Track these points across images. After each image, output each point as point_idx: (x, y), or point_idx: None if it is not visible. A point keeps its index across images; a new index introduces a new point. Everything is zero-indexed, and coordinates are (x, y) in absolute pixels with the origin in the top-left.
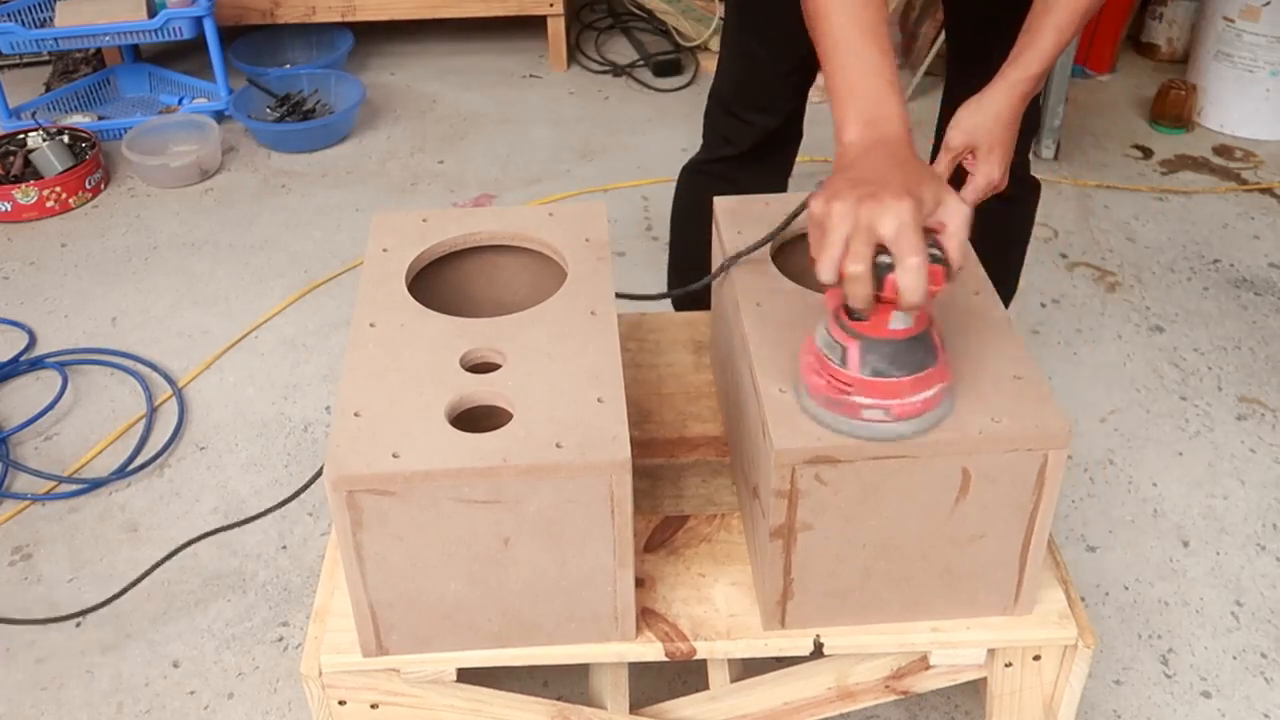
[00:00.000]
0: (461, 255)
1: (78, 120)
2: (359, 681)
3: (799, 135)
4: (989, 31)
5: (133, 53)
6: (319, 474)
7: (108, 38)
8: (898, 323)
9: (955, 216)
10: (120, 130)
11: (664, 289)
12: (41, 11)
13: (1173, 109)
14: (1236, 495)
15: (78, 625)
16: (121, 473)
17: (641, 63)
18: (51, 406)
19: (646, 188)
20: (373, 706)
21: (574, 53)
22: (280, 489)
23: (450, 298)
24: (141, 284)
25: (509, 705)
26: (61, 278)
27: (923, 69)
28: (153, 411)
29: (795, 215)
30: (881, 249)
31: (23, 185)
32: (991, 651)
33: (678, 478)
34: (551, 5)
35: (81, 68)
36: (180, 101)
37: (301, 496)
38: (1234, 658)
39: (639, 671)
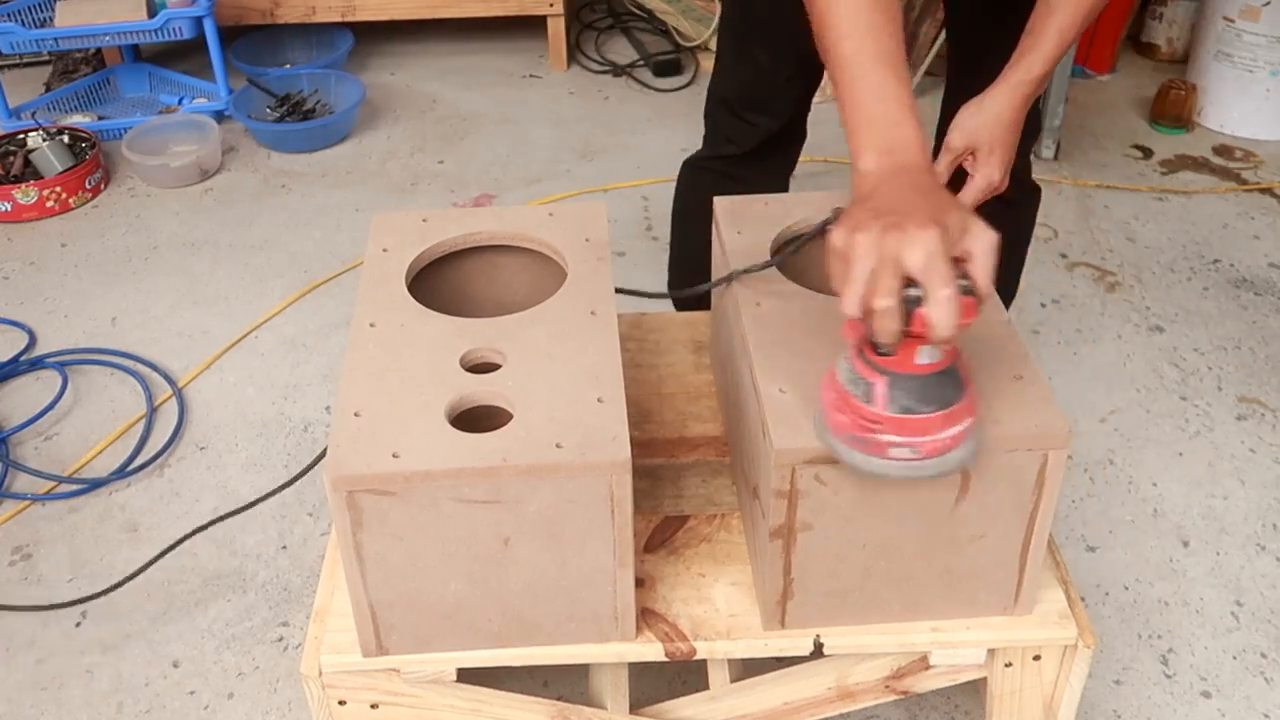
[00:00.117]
0: (461, 255)
1: (78, 120)
2: (359, 681)
3: (803, 135)
4: (989, 32)
5: (133, 53)
6: (317, 459)
7: (108, 38)
8: (926, 357)
9: (982, 243)
10: (120, 130)
11: (664, 288)
12: (41, 11)
13: (1173, 109)
14: (1236, 495)
15: (78, 625)
16: (121, 473)
17: (641, 63)
18: (51, 406)
19: (646, 188)
20: (373, 706)
21: (574, 53)
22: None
23: (450, 298)
24: (141, 284)
25: (509, 705)
26: (61, 278)
27: (923, 69)
28: (153, 411)
29: (806, 240)
30: (909, 281)
31: (23, 185)
32: (991, 651)
33: (678, 478)
34: (551, 5)
35: (81, 68)
36: (180, 101)
37: (302, 497)
38: (1234, 658)
39: (639, 671)
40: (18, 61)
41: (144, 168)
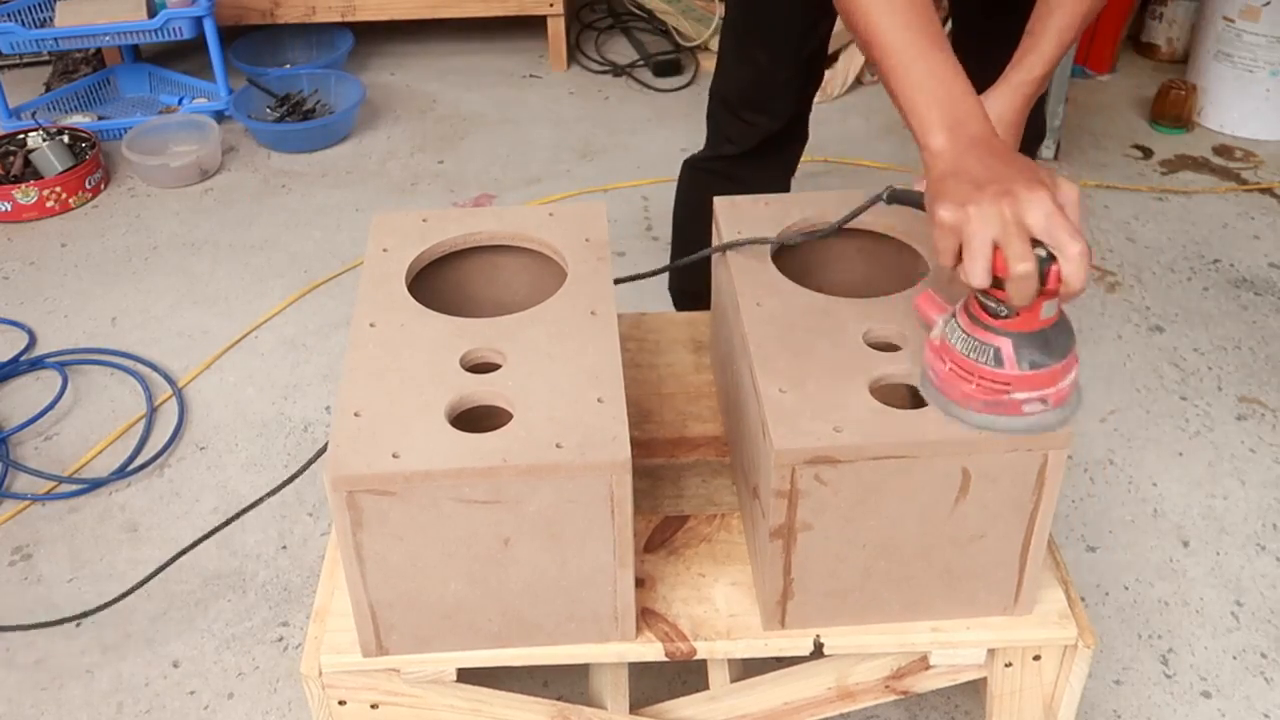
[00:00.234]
0: (461, 255)
1: (78, 120)
2: (359, 681)
3: (804, 136)
4: (993, 30)
5: (133, 53)
6: (317, 454)
7: (108, 38)
8: (1049, 311)
9: (1071, 195)
10: (120, 130)
11: (664, 287)
12: (41, 11)
13: (1173, 109)
14: (1236, 495)
15: (78, 625)
16: (121, 473)
17: (641, 63)
18: (51, 406)
19: (646, 188)
20: (373, 706)
21: (574, 53)
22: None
23: (450, 298)
24: (141, 284)
25: (509, 705)
26: (61, 278)
27: None
28: (153, 411)
29: (858, 213)
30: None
31: (23, 185)
32: (991, 651)
33: (678, 478)
34: (551, 5)
35: (81, 68)
36: (180, 101)
37: (302, 497)
38: (1234, 658)
39: (639, 671)
40: (18, 61)
41: (144, 168)
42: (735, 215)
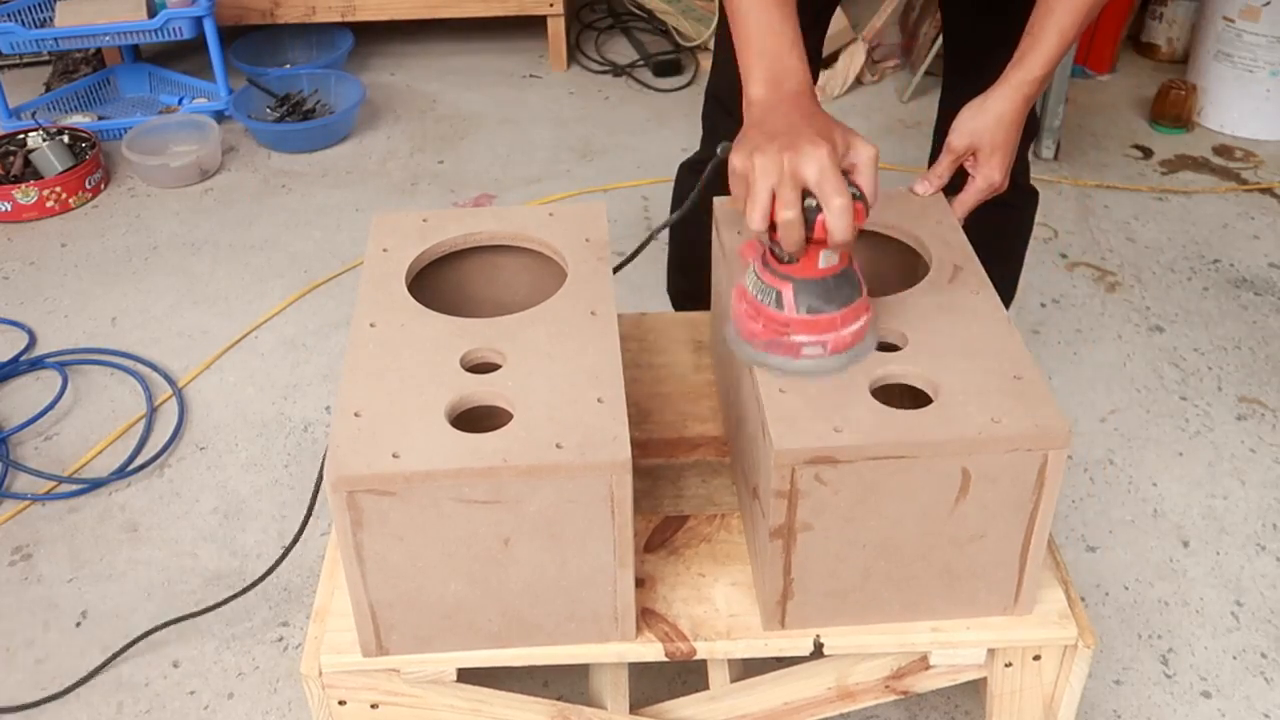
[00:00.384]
0: (461, 255)
1: (78, 120)
2: (359, 681)
3: None
4: (986, 32)
5: (133, 53)
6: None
7: (108, 38)
8: (825, 261)
9: (864, 155)
10: (120, 130)
11: (664, 287)
12: (41, 11)
13: (1173, 109)
14: (1236, 495)
15: (78, 625)
16: (121, 473)
17: (641, 63)
18: (51, 406)
19: (646, 188)
20: (373, 706)
21: (574, 53)
22: (280, 489)
23: (450, 298)
24: (141, 284)
25: (509, 705)
26: (61, 278)
27: (923, 69)
28: (153, 411)
29: (709, 172)
30: (806, 193)
31: (23, 185)
32: (991, 651)
33: (678, 478)
34: (551, 5)
35: (81, 68)
36: (180, 101)
37: (301, 497)
38: (1234, 658)
39: (639, 671)
40: (18, 61)
41: (144, 168)
42: (735, 216)
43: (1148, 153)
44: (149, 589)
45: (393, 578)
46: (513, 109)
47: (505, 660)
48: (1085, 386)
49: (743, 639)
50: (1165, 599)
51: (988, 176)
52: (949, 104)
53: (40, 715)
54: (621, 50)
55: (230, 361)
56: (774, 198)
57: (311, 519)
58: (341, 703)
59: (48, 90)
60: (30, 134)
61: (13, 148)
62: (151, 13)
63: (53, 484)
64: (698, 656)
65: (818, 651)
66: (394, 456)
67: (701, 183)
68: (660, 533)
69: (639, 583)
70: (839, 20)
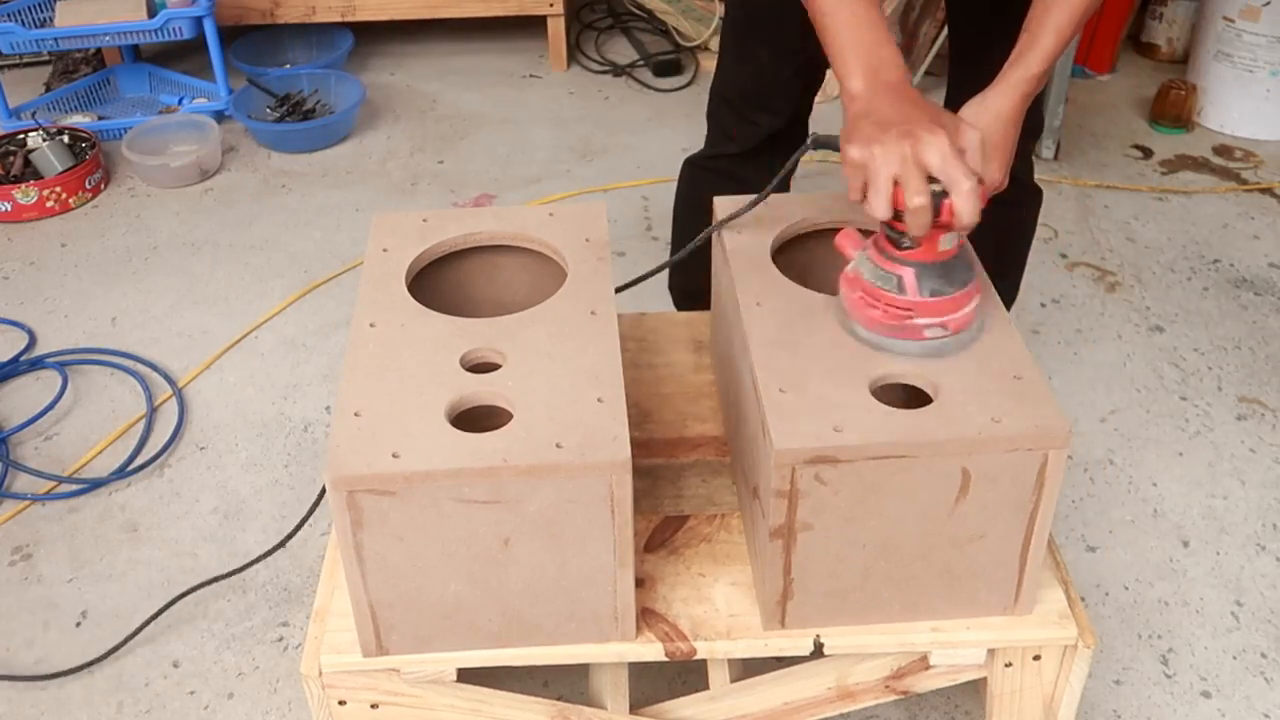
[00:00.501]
0: (461, 255)
1: (78, 120)
2: (359, 681)
3: (804, 135)
4: (990, 30)
5: (133, 53)
6: (323, 494)
7: (108, 38)
8: (947, 243)
9: (972, 139)
10: (120, 130)
11: (664, 287)
12: (41, 11)
13: (1173, 109)
14: (1236, 495)
15: (78, 625)
16: (121, 473)
17: (641, 63)
18: (51, 406)
19: (646, 188)
20: (373, 706)
21: (574, 53)
22: (280, 489)
23: (450, 298)
24: (141, 284)
25: (509, 705)
26: (61, 278)
27: (923, 69)
28: (153, 411)
29: (791, 167)
30: (930, 179)
31: (23, 185)
32: (991, 651)
33: (678, 478)
34: (551, 5)
35: (81, 68)
36: (180, 101)
37: (301, 497)
38: (1234, 658)
39: (639, 671)
40: (18, 61)
41: (144, 168)
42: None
43: (1148, 153)
44: (149, 589)
45: (393, 578)
46: (513, 109)
47: (505, 660)
48: (1085, 386)
49: (743, 639)
50: (1165, 599)
51: (988, 175)
52: (954, 104)
53: (40, 716)
54: (621, 50)
55: (230, 361)
56: (896, 185)
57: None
58: (341, 703)
59: (48, 90)
60: (30, 134)
61: (13, 148)
62: (151, 13)
63: (53, 484)
64: (698, 656)
65: (818, 651)
66: (394, 456)
67: (787, 169)
68: (660, 533)
69: (639, 583)
70: None
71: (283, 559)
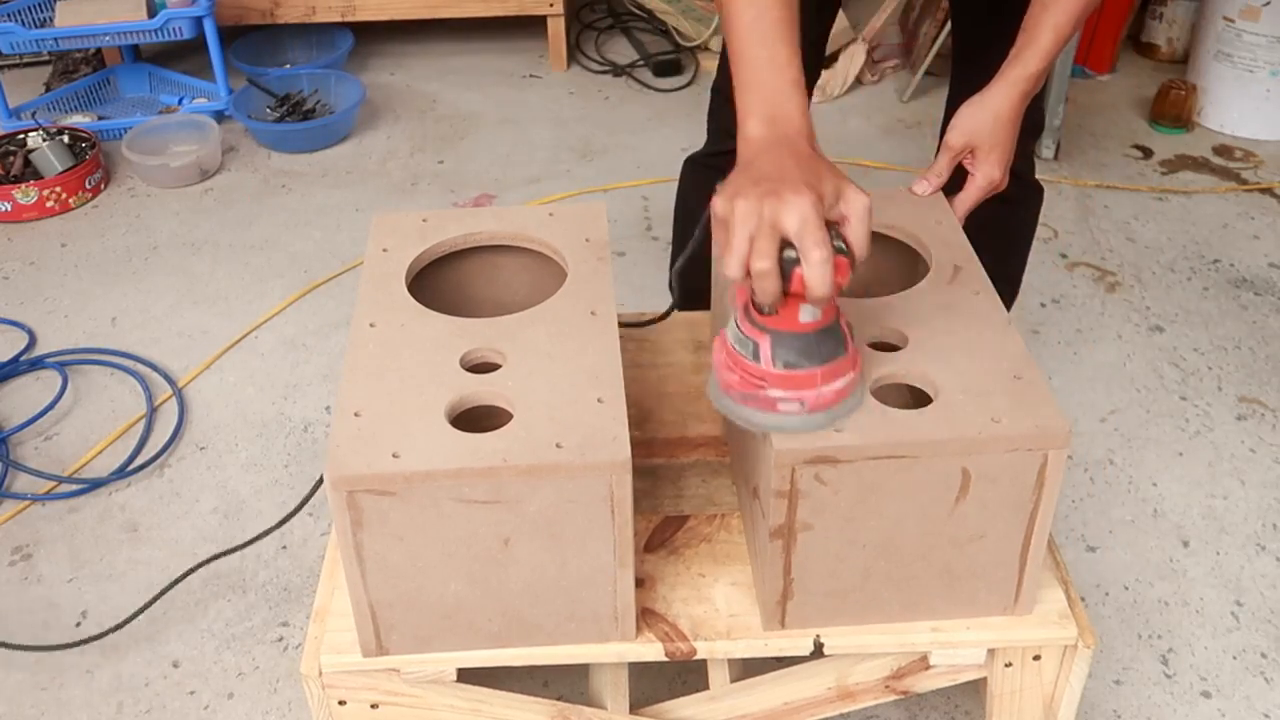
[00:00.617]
0: (461, 255)
1: (78, 120)
2: (359, 681)
3: None
4: (992, 28)
5: (133, 53)
6: (319, 483)
7: (108, 38)
8: (806, 315)
9: (856, 207)
10: (120, 130)
11: (665, 288)
12: (41, 11)
13: (1173, 109)
14: (1236, 495)
15: (78, 625)
16: (121, 473)
17: (641, 63)
18: (51, 406)
19: (646, 188)
20: (373, 706)
21: (574, 53)
22: (280, 489)
23: (450, 298)
24: (141, 284)
25: (509, 705)
26: (61, 278)
27: (923, 69)
28: (153, 411)
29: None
30: (787, 244)
31: (23, 185)
32: (991, 651)
33: (678, 478)
34: (551, 5)
35: (81, 68)
36: (180, 101)
37: (301, 497)
38: (1234, 658)
39: (639, 671)
40: (18, 61)
41: (144, 168)
42: None
43: (1148, 153)
44: (149, 589)
45: (393, 578)
46: (513, 109)
47: (505, 660)
48: (1085, 386)
49: (743, 639)
50: (1165, 599)
51: (987, 174)
52: (957, 102)
53: (40, 716)
54: (621, 50)
55: (230, 361)
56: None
57: (312, 519)
58: (341, 703)
59: (48, 90)
60: (30, 134)
61: (13, 148)
62: (151, 13)
63: (53, 484)
64: (698, 656)
65: (818, 651)
66: (394, 456)
67: (692, 243)
68: (660, 533)
69: (639, 583)
70: (839, 20)
71: (283, 559)
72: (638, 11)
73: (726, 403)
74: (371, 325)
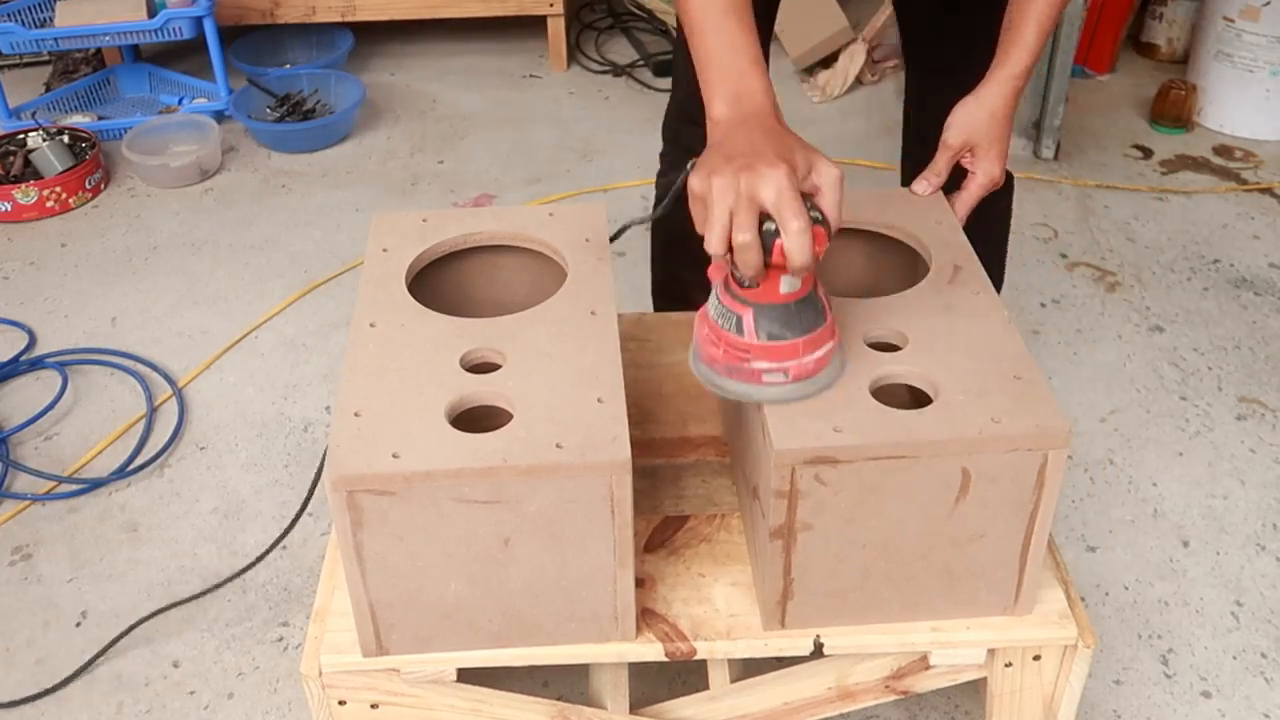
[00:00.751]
0: (461, 255)
1: (78, 120)
2: (359, 681)
3: None
4: (944, 28)
5: (133, 53)
6: (318, 475)
7: (108, 38)
8: (787, 286)
9: (828, 177)
10: (120, 130)
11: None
12: (41, 11)
13: (1173, 109)
14: (1236, 495)
15: (78, 625)
16: (121, 473)
17: (641, 63)
18: (51, 406)
19: (646, 188)
20: (373, 706)
21: (574, 53)
22: (280, 489)
23: (450, 298)
24: (141, 284)
25: (509, 705)
26: (61, 278)
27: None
28: (153, 411)
29: (677, 193)
30: (765, 217)
31: (23, 185)
32: (991, 651)
33: (678, 478)
34: (551, 5)
35: (81, 68)
36: (180, 101)
37: (302, 497)
38: (1234, 658)
39: (639, 671)
40: (18, 61)
41: (144, 168)
42: None
43: (1148, 153)
44: (149, 589)
45: (393, 578)
46: (513, 109)
47: (505, 660)
48: (1085, 386)
49: (743, 639)
50: (1165, 599)
51: (987, 171)
52: (914, 103)
53: (40, 716)
54: (621, 50)
55: (230, 361)
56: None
57: (312, 519)
58: (341, 703)
59: (48, 90)
60: (30, 134)
61: (13, 148)
62: (151, 13)
63: (53, 484)
64: (698, 656)
65: (818, 651)
66: (394, 456)
67: (669, 198)
68: (660, 533)
69: (639, 583)
70: (839, 20)
71: (283, 559)
72: (638, 11)
73: (711, 376)
74: (371, 325)
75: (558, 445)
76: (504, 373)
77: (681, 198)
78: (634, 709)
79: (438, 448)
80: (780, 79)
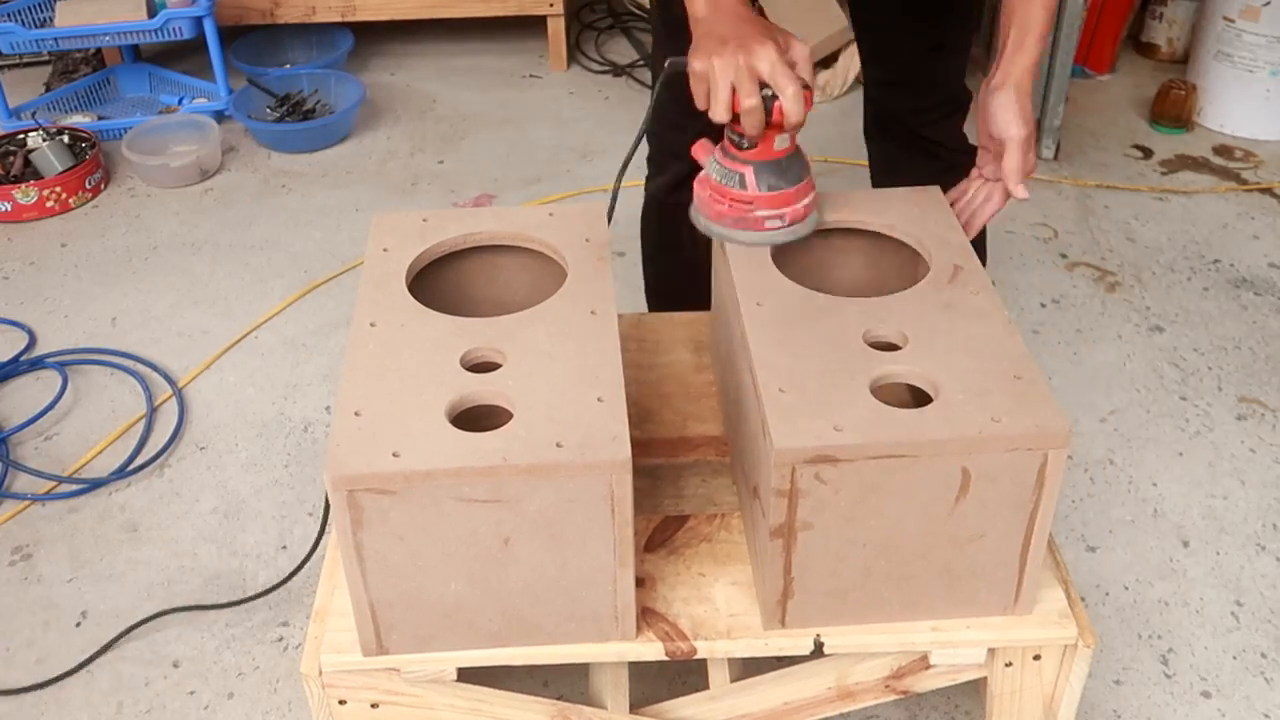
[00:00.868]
0: (461, 255)
1: (78, 120)
2: (359, 681)
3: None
4: (900, 28)
5: (133, 53)
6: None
7: (108, 38)
8: (781, 143)
9: (801, 53)
10: (120, 130)
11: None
12: (41, 11)
13: (1173, 109)
14: (1236, 495)
15: (78, 625)
16: (121, 473)
17: (641, 63)
18: (51, 406)
19: None
20: (373, 706)
21: (574, 53)
22: (280, 489)
23: (450, 298)
24: (141, 284)
25: (509, 705)
26: (61, 278)
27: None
28: (153, 411)
29: (663, 83)
30: (761, 85)
31: (23, 185)
32: (991, 651)
33: (678, 478)
34: (551, 5)
35: (81, 68)
36: (180, 101)
37: (302, 497)
38: (1234, 658)
39: (639, 671)
40: (18, 61)
41: (144, 168)
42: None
43: (1148, 153)
44: (149, 589)
45: (393, 577)
46: (513, 109)
47: (505, 660)
48: (1085, 386)
49: (743, 638)
50: (1165, 599)
51: (1029, 160)
52: (872, 99)
53: (40, 716)
54: (621, 50)
55: (230, 361)
56: (734, 92)
57: (311, 519)
58: (342, 702)
59: (48, 90)
60: (30, 134)
61: (13, 148)
62: (151, 13)
63: (53, 484)
64: (698, 656)
65: (818, 651)
66: (394, 456)
67: (654, 95)
68: (660, 532)
69: (639, 582)
70: (839, 20)
71: (283, 559)
72: (638, 11)
73: (719, 230)
74: (372, 325)
75: (558, 445)
76: (504, 372)
77: (672, 84)
78: (634, 709)
79: (438, 447)
80: None
